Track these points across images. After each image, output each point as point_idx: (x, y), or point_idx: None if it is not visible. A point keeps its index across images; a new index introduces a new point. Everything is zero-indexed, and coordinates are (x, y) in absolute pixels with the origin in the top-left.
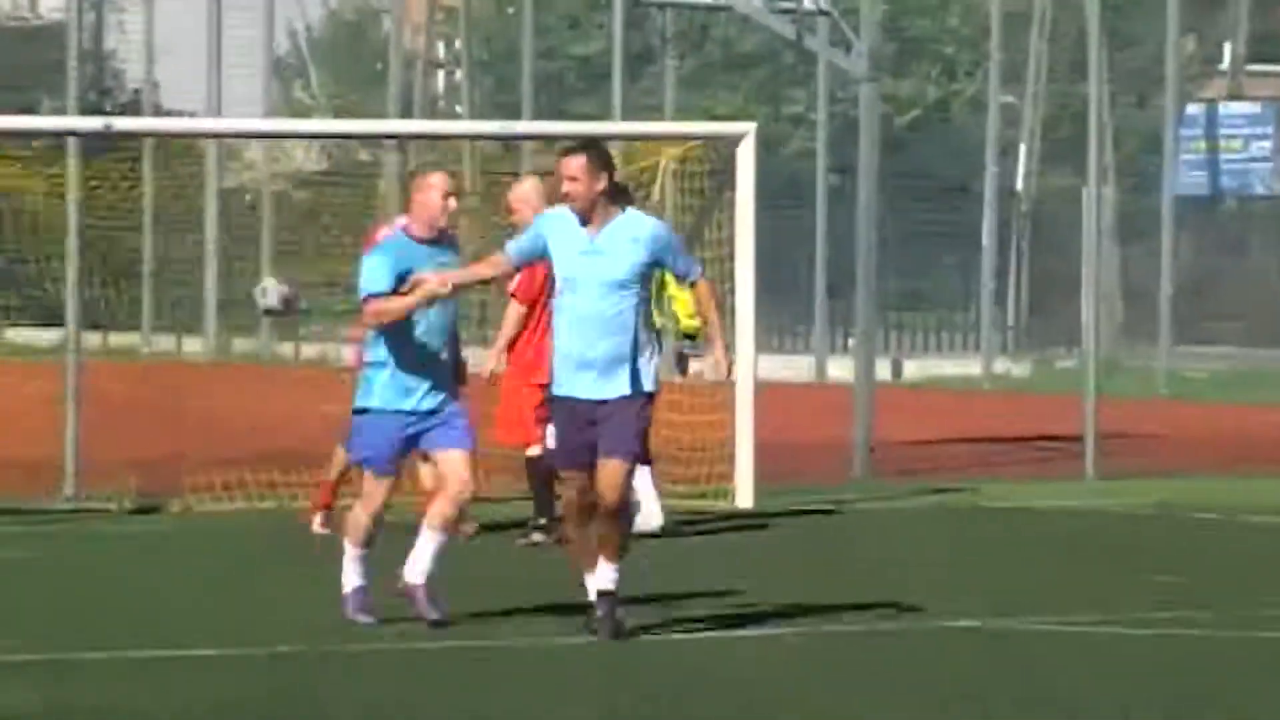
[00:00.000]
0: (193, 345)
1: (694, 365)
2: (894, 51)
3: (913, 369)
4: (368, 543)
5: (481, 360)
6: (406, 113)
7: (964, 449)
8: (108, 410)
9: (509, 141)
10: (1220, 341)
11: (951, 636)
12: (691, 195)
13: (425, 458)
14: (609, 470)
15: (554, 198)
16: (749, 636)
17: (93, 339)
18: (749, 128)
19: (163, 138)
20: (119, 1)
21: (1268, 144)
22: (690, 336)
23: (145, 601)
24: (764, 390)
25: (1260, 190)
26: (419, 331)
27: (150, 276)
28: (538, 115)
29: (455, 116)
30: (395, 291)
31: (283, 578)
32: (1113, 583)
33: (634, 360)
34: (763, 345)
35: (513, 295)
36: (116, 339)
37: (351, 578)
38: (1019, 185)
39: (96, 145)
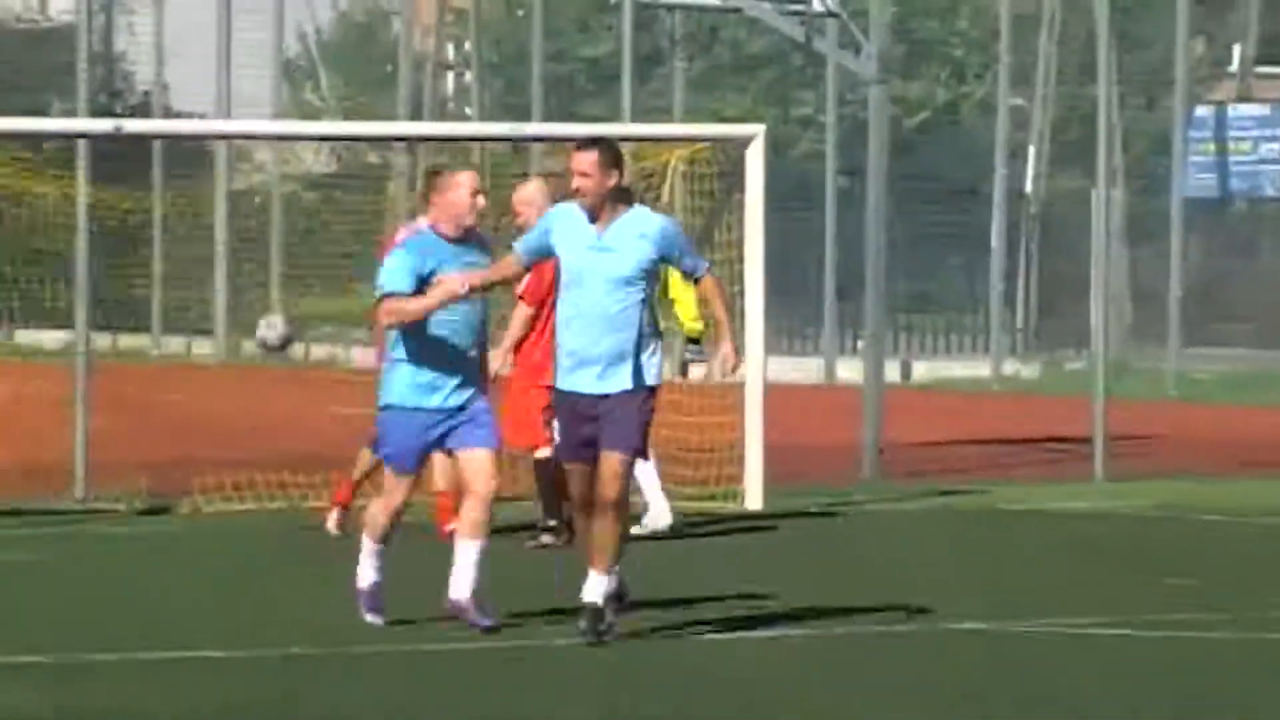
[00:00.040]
0: (202, 347)
1: (694, 371)
2: (903, 54)
3: (922, 371)
4: (385, 539)
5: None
6: (416, 115)
7: (973, 451)
8: (117, 412)
9: (518, 143)
10: (1230, 343)
11: (957, 638)
12: (700, 197)
13: (449, 453)
14: (609, 464)
15: (560, 199)
16: (752, 637)
17: (102, 340)
18: (758, 130)
19: (172, 139)
20: (129, 3)
21: (1277, 146)
22: (693, 340)
23: (154, 603)
24: (773, 392)
25: (1270, 192)
26: (448, 329)
27: (159, 278)
28: (547, 117)
29: (465, 118)
30: (419, 291)
31: (292, 579)
32: (1121, 584)
33: (637, 355)
34: (772, 347)
35: (520, 297)
36: (126, 341)
37: (367, 572)
38: (1028, 187)
39: (107, 147)
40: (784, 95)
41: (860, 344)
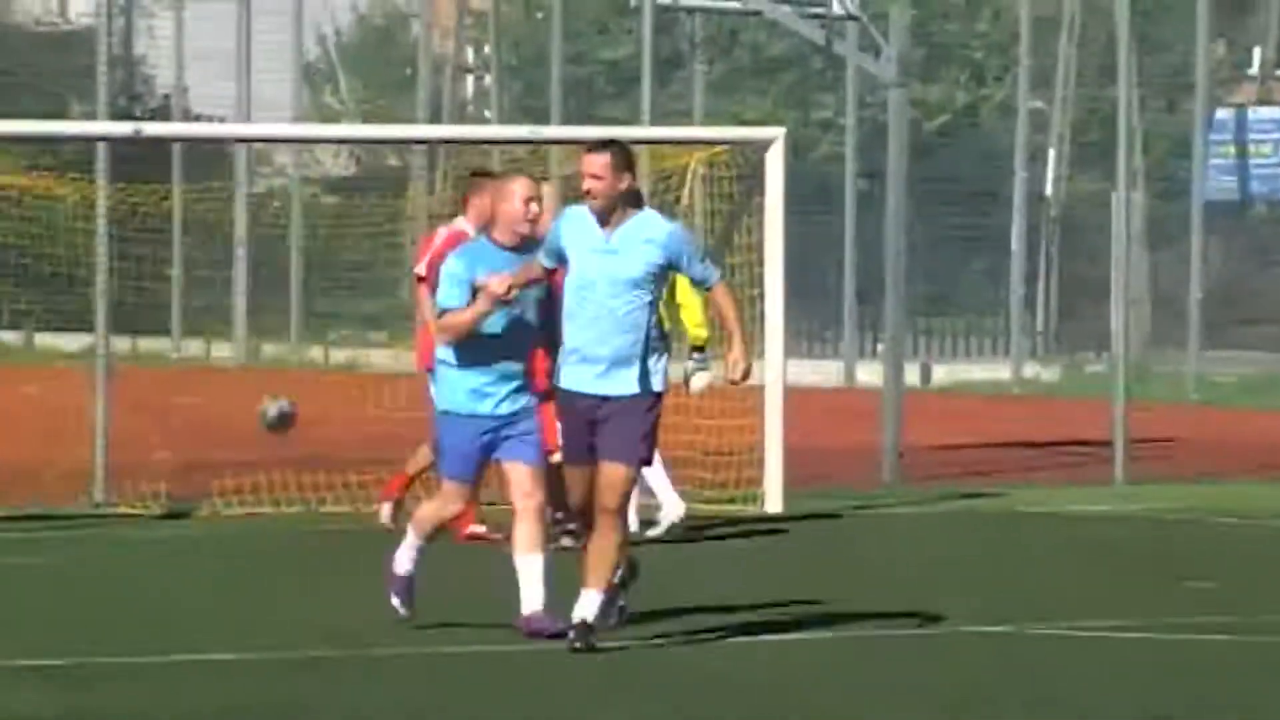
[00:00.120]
0: (221, 350)
1: (695, 382)
2: (923, 56)
3: (942, 374)
4: (430, 537)
5: None
6: (435, 118)
7: (993, 454)
8: (137, 415)
9: (537, 146)
10: (1250, 346)
11: (974, 641)
12: (720, 200)
13: (495, 462)
14: (610, 474)
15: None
16: (769, 641)
17: (122, 344)
18: (778, 133)
19: (192, 143)
20: (149, 7)
21: None
22: (698, 348)
23: (173, 606)
24: (793, 395)
25: None
26: (501, 332)
27: (179, 281)
28: (567, 120)
29: (484, 121)
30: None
31: (310, 582)
32: (1141, 588)
33: (644, 360)
34: (792, 350)
35: None
36: (146, 344)
37: (404, 562)
38: (1048, 190)
39: (126, 150)
40: (804, 98)
41: (880, 347)
